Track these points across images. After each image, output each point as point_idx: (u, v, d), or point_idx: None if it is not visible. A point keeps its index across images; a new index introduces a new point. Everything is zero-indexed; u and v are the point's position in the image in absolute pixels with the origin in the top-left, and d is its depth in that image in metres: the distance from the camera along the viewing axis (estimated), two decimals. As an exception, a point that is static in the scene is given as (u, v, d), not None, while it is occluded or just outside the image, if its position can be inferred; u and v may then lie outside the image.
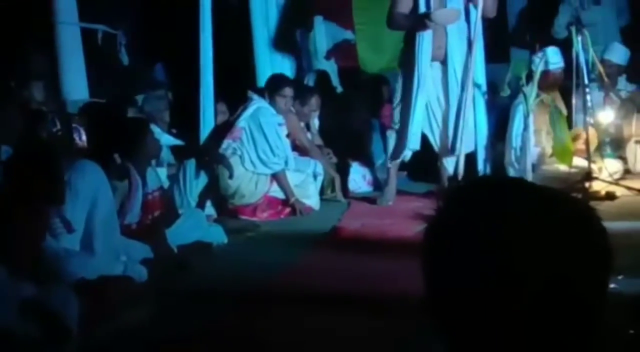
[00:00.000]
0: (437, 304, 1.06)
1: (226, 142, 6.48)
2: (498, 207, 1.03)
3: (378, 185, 7.46)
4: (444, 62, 6.53)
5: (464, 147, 6.61)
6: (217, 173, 6.39)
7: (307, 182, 6.75)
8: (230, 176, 6.34)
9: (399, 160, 6.81)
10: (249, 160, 6.48)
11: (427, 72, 6.49)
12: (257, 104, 6.58)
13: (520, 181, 1.15)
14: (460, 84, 6.54)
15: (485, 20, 6.64)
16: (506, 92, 7.84)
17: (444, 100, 6.63)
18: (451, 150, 6.68)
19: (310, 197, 6.71)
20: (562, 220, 1.03)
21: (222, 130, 6.62)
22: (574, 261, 1.01)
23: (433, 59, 6.50)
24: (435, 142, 6.75)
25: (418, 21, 6.34)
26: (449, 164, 6.74)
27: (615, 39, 8.25)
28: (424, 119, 6.63)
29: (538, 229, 1.00)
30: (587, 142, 6.65)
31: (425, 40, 6.42)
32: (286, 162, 6.57)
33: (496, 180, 1.16)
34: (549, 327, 1.00)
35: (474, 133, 6.69)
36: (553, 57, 6.92)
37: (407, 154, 6.75)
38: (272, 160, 6.49)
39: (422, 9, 6.36)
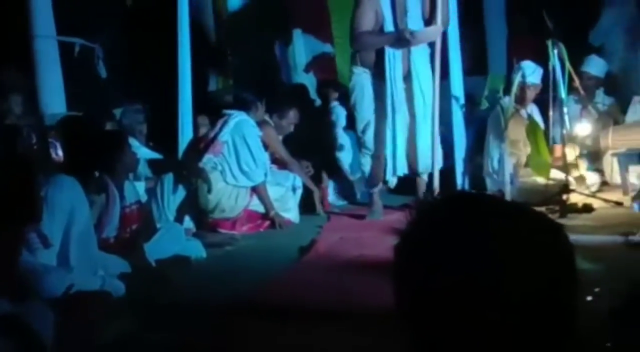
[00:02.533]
0: (409, 316, 1.07)
1: (207, 157, 6.44)
2: (467, 223, 1.05)
3: (354, 198, 7.49)
4: (407, 80, 6.39)
5: (429, 166, 6.53)
6: (196, 187, 6.37)
7: (286, 196, 6.74)
8: (209, 190, 6.32)
9: (380, 186, 6.70)
10: (231, 174, 6.46)
11: (401, 93, 6.35)
12: (239, 116, 6.56)
13: (490, 197, 1.17)
14: (426, 100, 6.41)
15: (461, 33, 6.62)
16: (484, 104, 7.89)
17: (409, 119, 6.47)
18: (419, 167, 6.58)
19: (289, 211, 6.71)
20: (530, 234, 1.05)
21: (201, 144, 6.60)
22: (542, 275, 1.03)
23: None
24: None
25: (399, 39, 6.17)
26: (421, 180, 6.67)
27: None
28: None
29: (507, 244, 1.03)
30: (563, 155, 6.69)
31: (397, 60, 6.27)
32: (265, 174, 6.57)
33: (466, 195, 1.18)
34: (518, 339, 1.01)
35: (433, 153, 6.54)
36: (528, 71, 6.95)
37: (393, 180, 6.60)
38: (255, 172, 6.47)
39: (389, 26, 6.26)
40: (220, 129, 6.52)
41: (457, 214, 1.07)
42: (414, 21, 6.32)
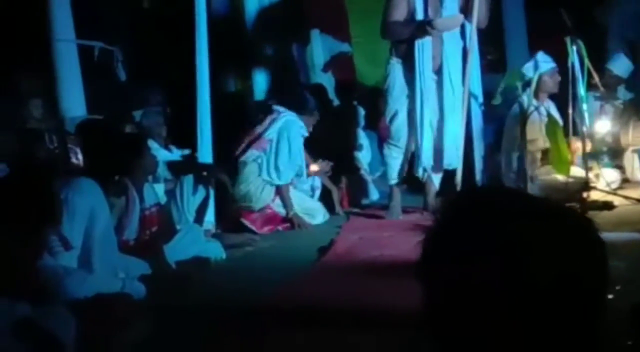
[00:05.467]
0: (438, 316, 1.06)
1: (250, 152, 6.58)
2: (495, 217, 1.04)
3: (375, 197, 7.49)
4: (439, 72, 6.38)
5: (455, 161, 6.50)
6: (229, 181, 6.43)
7: (315, 207, 6.80)
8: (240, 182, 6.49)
9: (399, 181, 6.69)
10: (266, 171, 6.57)
11: (430, 84, 6.34)
12: (287, 116, 6.64)
13: (517, 191, 1.16)
14: (455, 93, 6.40)
15: (480, 31, 6.59)
16: (497, 100, 7.83)
17: (438, 112, 6.45)
18: (444, 162, 6.54)
19: (316, 218, 6.74)
20: (561, 227, 1.04)
21: (246, 138, 6.70)
22: (571, 269, 1.02)
23: None
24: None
25: (419, 29, 6.16)
26: (435, 179, 6.62)
27: None
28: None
29: (537, 239, 1.02)
30: (584, 152, 6.65)
31: (425, 51, 6.25)
32: (298, 174, 6.66)
33: (492, 190, 1.17)
34: (545, 331, 1.01)
35: (461, 148, 6.52)
36: (543, 58, 6.91)
37: (419, 172, 6.52)
38: (285, 171, 6.58)
39: (420, 17, 6.23)
40: (269, 127, 6.64)
41: (485, 206, 1.06)
42: (449, 13, 6.27)
